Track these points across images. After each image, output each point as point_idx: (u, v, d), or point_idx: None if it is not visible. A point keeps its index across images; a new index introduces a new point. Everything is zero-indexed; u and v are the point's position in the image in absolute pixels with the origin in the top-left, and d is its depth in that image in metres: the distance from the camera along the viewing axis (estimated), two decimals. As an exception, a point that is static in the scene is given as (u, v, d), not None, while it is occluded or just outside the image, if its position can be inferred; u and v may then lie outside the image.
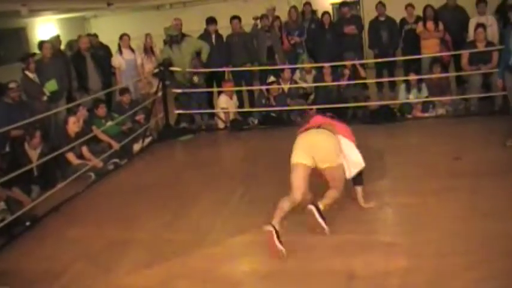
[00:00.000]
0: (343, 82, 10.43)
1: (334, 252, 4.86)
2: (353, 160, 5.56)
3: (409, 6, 11.36)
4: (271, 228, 4.85)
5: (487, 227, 5.01)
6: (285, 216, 5.09)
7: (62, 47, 11.81)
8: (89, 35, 13.15)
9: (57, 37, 11.80)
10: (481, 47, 9.60)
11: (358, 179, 5.68)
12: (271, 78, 10.69)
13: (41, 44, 10.12)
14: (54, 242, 5.84)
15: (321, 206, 5.20)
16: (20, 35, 15.02)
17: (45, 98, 9.17)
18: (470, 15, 10.83)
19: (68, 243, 5.74)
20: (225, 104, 10.54)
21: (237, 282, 4.57)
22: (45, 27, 16.07)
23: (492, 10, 10.98)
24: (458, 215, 5.36)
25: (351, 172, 5.56)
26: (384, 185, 6.50)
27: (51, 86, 9.37)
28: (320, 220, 5.13)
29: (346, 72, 10.44)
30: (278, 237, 4.84)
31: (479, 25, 9.73)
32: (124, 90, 9.95)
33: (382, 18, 11.47)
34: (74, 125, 8.23)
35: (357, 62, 10.86)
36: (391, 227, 5.51)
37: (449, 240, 4.85)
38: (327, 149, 5.39)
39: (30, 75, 9.08)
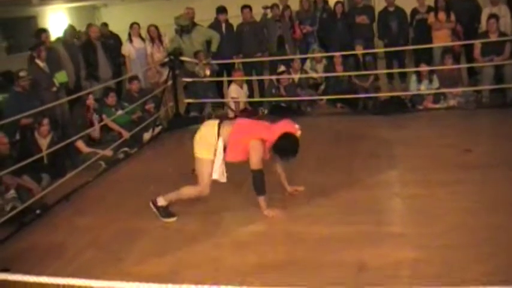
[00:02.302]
0: (354, 73, 10.43)
1: (343, 243, 4.84)
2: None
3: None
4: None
5: (496, 220, 5.00)
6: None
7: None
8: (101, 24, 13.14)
9: (71, 27, 11.69)
10: (493, 37, 9.53)
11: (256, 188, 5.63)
12: (282, 68, 10.66)
13: (40, 33, 10.12)
14: (64, 230, 5.86)
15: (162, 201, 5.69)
16: (31, 23, 15.00)
17: (54, 88, 9.18)
18: (482, 6, 10.75)
19: (78, 232, 5.76)
20: (235, 93, 10.52)
21: (246, 272, 4.56)
22: (55, 16, 16.07)
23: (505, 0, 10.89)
24: (467, 207, 5.34)
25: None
26: (393, 175, 6.49)
27: (61, 77, 9.38)
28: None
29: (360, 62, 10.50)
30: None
31: (492, 15, 9.66)
32: (132, 78, 9.96)
33: (391, 9, 11.38)
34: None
35: (366, 51, 10.81)
36: (401, 218, 5.50)
37: (458, 232, 4.84)
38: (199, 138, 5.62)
39: (41, 64, 9.08)
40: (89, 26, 11.27)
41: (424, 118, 9.33)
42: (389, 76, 11.86)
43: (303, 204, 5.80)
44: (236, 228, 5.42)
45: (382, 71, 11.53)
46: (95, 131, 8.38)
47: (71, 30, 11.06)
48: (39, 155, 7.11)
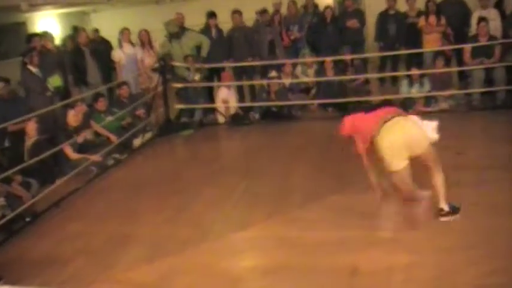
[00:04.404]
0: (346, 77, 10.44)
1: (336, 248, 4.82)
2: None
3: (411, -1, 11.31)
4: None
5: (489, 222, 4.99)
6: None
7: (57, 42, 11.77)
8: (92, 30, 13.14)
9: (48, 34, 11.65)
10: (483, 41, 9.56)
11: None
12: (273, 73, 10.65)
13: (30, 38, 10.07)
14: (55, 238, 5.81)
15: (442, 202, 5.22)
16: (20, 29, 14.92)
17: (49, 93, 9.10)
18: (472, 9, 10.79)
19: (68, 239, 5.72)
20: (224, 94, 10.51)
21: (238, 277, 4.54)
22: (45, 22, 16.00)
23: (494, 4, 10.94)
24: (461, 209, 5.32)
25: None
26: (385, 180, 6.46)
27: (55, 81, 9.33)
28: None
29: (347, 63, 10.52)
30: None
31: (482, 19, 9.69)
32: (122, 84, 9.91)
33: (391, 12, 11.38)
34: (73, 118, 8.21)
35: (353, 56, 10.81)
36: (393, 222, 5.48)
37: (452, 235, 4.83)
38: (419, 136, 5.26)
39: (33, 69, 8.99)
40: (77, 32, 11.20)
41: (416, 121, 9.29)
42: (382, 80, 11.87)
43: (295, 209, 5.77)
44: (228, 233, 5.38)
45: (373, 75, 11.52)
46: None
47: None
48: (25, 161, 7.06)
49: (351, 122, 5.77)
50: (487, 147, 7.30)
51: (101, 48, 11.70)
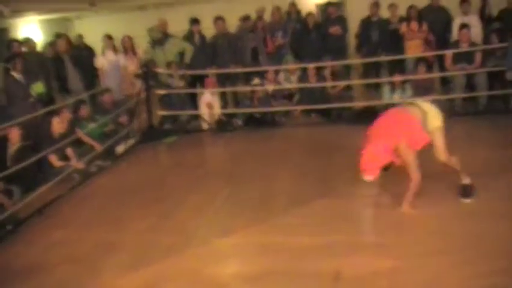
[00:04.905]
0: (328, 83, 10.48)
1: (320, 253, 4.82)
2: None
3: (393, 6, 11.39)
4: None
5: (472, 227, 5.02)
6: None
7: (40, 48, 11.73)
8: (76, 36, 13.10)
9: (30, 40, 11.61)
10: (465, 47, 9.67)
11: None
12: (256, 81, 10.67)
13: (10, 43, 10.02)
14: (40, 245, 5.75)
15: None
16: (2, 36, 14.86)
17: (32, 100, 9.04)
18: (453, 16, 10.90)
19: (52, 246, 5.66)
20: (209, 99, 10.51)
21: (223, 283, 4.53)
22: (28, 28, 15.94)
23: (475, 10, 11.06)
24: (443, 214, 5.36)
25: None
26: (369, 185, 6.47)
27: (38, 88, 9.28)
28: None
29: (327, 74, 10.53)
30: None
31: (463, 25, 9.79)
32: (104, 90, 9.88)
33: (374, 18, 11.45)
34: (58, 125, 8.16)
35: (339, 62, 10.85)
36: (377, 227, 5.49)
37: (436, 240, 4.85)
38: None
39: (16, 75, 8.93)
40: (57, 39, 11.15)
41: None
42: (365, 86, 11.92)
43: (279, 214, 5.78)
44: (212, 239, 5.37)
45: (355, 82, 11.58)
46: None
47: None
48: (12, 167, 7.01)
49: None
50: (469, 152, 7.34)
51: (84, 54, 11.68)
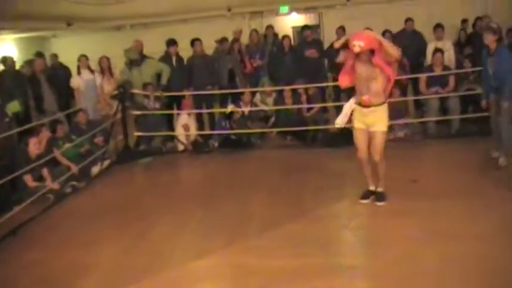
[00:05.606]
0: (304, 105, 10.56)
1: (294, 276, 4.84)
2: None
3: (367, 29, 11.49)
4: None
5: (445, 249, 5.08)
6: None
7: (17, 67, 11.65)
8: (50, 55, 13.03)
9: (8, 58, 11.52)
10: (438, 71, 9.81)
11: None
12: (231, 107, 10.70)
13: None
14: (13, 266, 5.70)
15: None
16: (-23, 54, 14.76)
17: (7, 119, 8.98)
18: (427, 40, 11.09)
19: (26, 268, 5.61)
20: (185, 120, 10.53)
21: (197, 306, 4.53)
22: (3, 47, 15.85)
23: (449, 36, 11.25)
24: (416, 237, 5.42)
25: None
26: (342, 207, 6.56)
27: (14, 106, 9.23)
28: None
29: (303, 98, 10.61)
30: None
31: (437, 50, 9.95)
32: (79, 110, 9.85)
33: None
34: (34, 146, 8.09)
35: (313, 85, 10.91)
36: (351, 250, 5.55)
37: (409, 262, 4.89)
38: None
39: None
40: (35, 58, 11.10)
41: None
42: (339, 108, 11.96)
43: (254, 237, 5.79)
44: (187, 261, 5.36)
45: (329, 104, 11.66)
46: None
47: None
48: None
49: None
50: (442, 175, 7.46)
51: (60, 74, 11.63)
